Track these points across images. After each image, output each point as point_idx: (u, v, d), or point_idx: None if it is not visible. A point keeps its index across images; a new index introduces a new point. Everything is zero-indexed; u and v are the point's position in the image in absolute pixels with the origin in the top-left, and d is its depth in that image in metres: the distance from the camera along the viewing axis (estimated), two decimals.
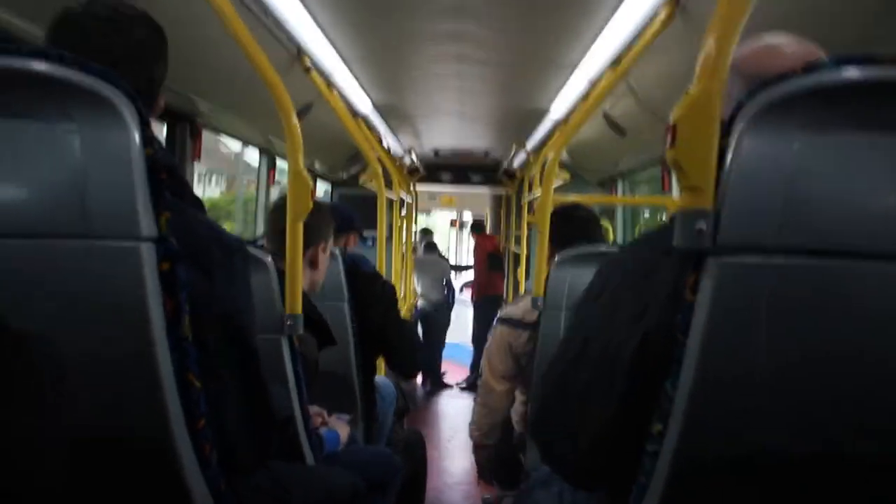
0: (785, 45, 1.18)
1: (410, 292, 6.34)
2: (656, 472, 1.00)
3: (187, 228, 1.12)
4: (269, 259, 1.87)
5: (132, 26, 1.27)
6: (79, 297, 1.03)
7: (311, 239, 2.27)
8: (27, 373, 0.92)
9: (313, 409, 2.19)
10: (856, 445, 0.97)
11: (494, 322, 3.01)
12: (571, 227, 2.83)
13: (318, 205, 2.37)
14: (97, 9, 1.26)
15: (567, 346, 1.26)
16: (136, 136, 1.01)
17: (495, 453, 3.19)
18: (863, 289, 0.92)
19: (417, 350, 3.12)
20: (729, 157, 0.92)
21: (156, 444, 1.09)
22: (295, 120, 1.84)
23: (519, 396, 3.01)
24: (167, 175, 1.06)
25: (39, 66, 1.00)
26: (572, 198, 3.16)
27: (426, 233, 9.15)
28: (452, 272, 9.27)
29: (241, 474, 1.32)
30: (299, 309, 1.84)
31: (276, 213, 2.31)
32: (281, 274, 1.87)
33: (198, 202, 1.32)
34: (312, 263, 2.33)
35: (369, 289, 2.81)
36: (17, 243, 1.02)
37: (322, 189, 7.08)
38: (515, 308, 2.85)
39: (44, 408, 0.93)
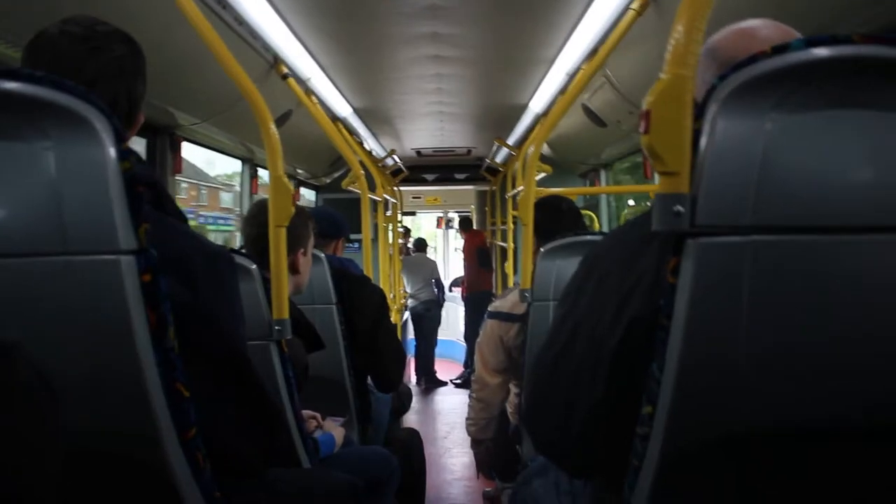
0: (760, 27, 1.19)
1: (399, 293, 6.35)
2: (647, 454, 1.01)
3: (168, 239, 1.12)
4: (253, 266, 1.87)
5: (108, 44, 1.27)
6: (61, 314, 1.03)
7: (291, 245, 2.28)
8: (13, 390, 0.92)
9: (307, 413, 2.20)
10: (842, 420, 0.98)
11: (485, 317, 3.02)
12: (554, 219, 2.84)
13: (297, 209, 2.38)
14: (72, 28, 1.26)
15: (555, 334, 1.26)
16: (112, 151, 1.01)
17: (493, 447, 3.20)
18: (840, 263, 0.93)
19: (402, 366, 3.11)
20: (703, 140, 0.92)
21: (148, 455, 1.09)
22: (273, 127, 1.85)
23: (513, 389, 3.02)
24: (146, 188, 1.06)
25: (11, 85, 1.00)
26: (556, 190, 3.16)
27: (420, 242, 9.17)
28: (441, 271, 9.29)
29: (249, 478, 1.33)
30: (286, 314, 1.84)
31: (252, 220, 2.32)
32: (265, 280, 1.87)
33: (180, 214, 1.32)
34: (293, 268, 2.33)
35: (358, 293, 2.81)
36: None
37: (306, 195, 7.08)
38: (504, 301, 2.86)
39: (32, 424, 0.93)
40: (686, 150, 0.93)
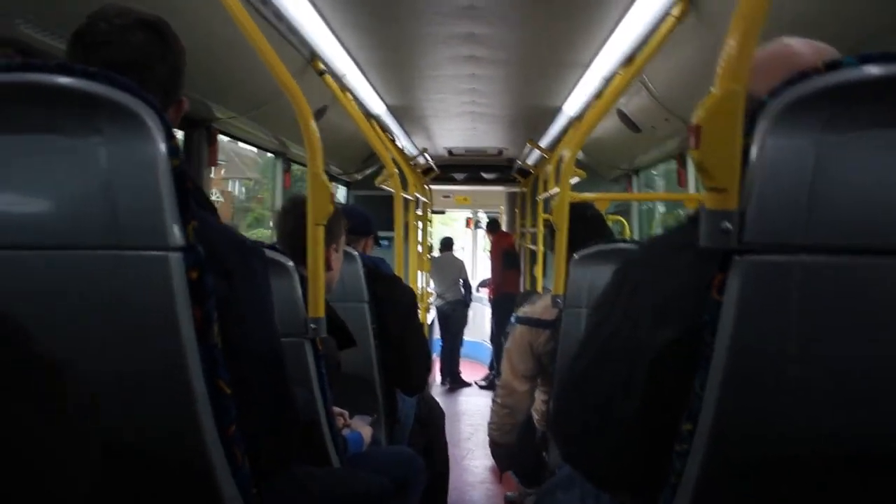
0: (795, 45, 1.18)
1: (427, 292, 6.35)
2: (686, 472, 1.00)
3: (206, 235, 1.13)
4: (290, 263, 1.88)
5: (127, 33, 1.27)
6: (110, 308, 1.04)
7: (325, 240, 2.29)
8: (59, 383, 0.93)
9: (335, 410, 2.21)
10: (890, 446, 0.97)
11: (512, 320, 3.01)
12: (583, 227, 2.85)
13: None
14: (96, 21, 1.27)
15: (587, 344, 1.26)
16: (163, 148, 1.03)
17: (518, 451, 3.20)
18: (891, 285, 0.92)
19: (427, 369, 3.11)
20: (753, 156, 0.92)
21: (189, 451, 1.10)
22: (313, 123, 1.85)
23: (540, 395, 3.01)
24: (192, 183, 1.07)
25: (65, 80, 1.02)
26: (588, 195, 3.16)
27: (447, 241, 9.15)
28: (468, 271, 9.28)
29: (263, 478, 1.33)
30: (322, 312, 1.85)
31: (285, 215, 2.32)
32: (302, 278, 1.88)
33: (211, 206, 1.34)
34: (326, 264, 2.33)
35: (389, 292, 2.81)
36: (48, 255, 1.04)
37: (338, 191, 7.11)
38: (534, 307, 2.86)
39: (76, 418, 0.94)
40: (736, 166, 0.92)
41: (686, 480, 1.00)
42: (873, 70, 0.91)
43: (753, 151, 0.92)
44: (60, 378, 0.94)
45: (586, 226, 2.87)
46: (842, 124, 0.91)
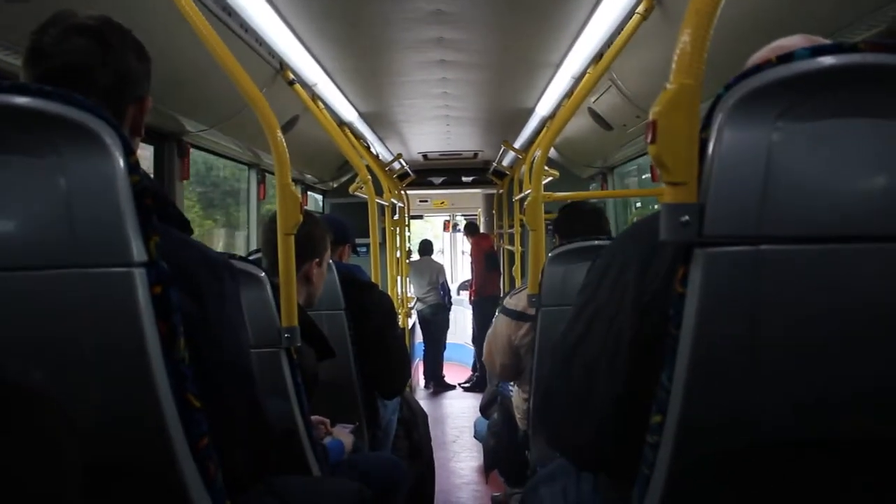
0: (793, 44, 1.18)
1: (406, 298, 6.35)
2: (658, 463, 1.01)
3: (172, 251, 1.12)
4: (262, 274, 1.88)
5: (64, 42, 1.23)
6: (73, 326, 1.04)
7: (307, 254, 2.28)
8: (27, 404, 0.93)
9: (315, 418, 2.20)
10: (852, 428, 0.98)
11: (497, 311, 3.04)
12: (579, 221, 2.87)
13: (314, 219, 2.39)
14: (38, 35, 1.24)
15: (573, 323, 1.27)
16: (122, 164, 1.02)
17: (502, 451, 3.22)
18: (847, 272, 0.93)
19: (407, 372, 3.12)
20: (710, 149, 0.93)
21: (160, 465, 1.09)
22: (280, 134, 1.85)
23: (521, 394, 3.03)
24: (152, 199, 1.06)
25: (21, 100, 1.01)
26: (563, 194, 3.17)
27: (425, 244, 9.14)
28: (448, 275, 9.28)
29: (238, 490, 1.32)
30: (295, 321, 1.84)
31: (269, 224, 2.32)
32: (275, 288, 1.88)
33: (183, 221, 1.32)
34: (307, 279, 2.33)
35: (366, 298, 2.82)
36: (8, 276, 1.03)
37: (312, 199, 7.09)
38: (519, 299, 2.87)
39: (46, 438, 0.93)
40: (693, 160, 0.93)
41: (658, 472, 1.01)
42: (826, 61, 0.92)
43: (710, 144, 0.92)
44: (29, 399, 0.93)
45: (585, 220, 2.89)
46: (795, 115, 0.92)
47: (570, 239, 2.58)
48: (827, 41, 1.12)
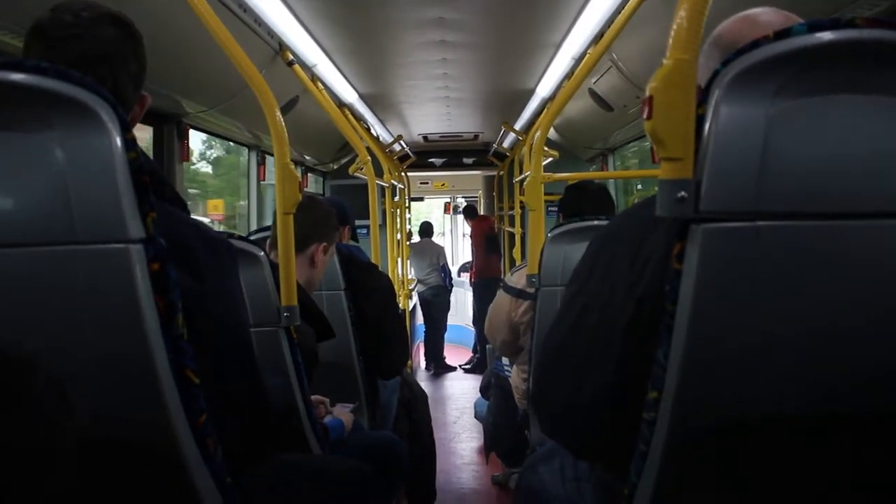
0: (761, 13, 1.19)
1: (407, 280, 6.36)
2: (654, 440, 1.01)
3: (170, 228, 1.12)
4: (261, 253, 1.88)
5: (93, 28, 1.25)
6: (71, 303, 1.04)
7: (312, 236, 2.29)
8: (26, 381, 0.93)
9: (315, 398, 2.21)
10: (848, 403, 0.99)
11: (499, 289, 3.06)
12: (584, 201, 2.87)
13: (322, 204, 2.39)
14: (60, 15, 1.24)
15: (565, 312, 1.27)
16: (118, 141, 1.02)
17: (501, 431, 3.23)
18: (844, 248, 0.93)
19: (406, 353, 3.13)
20: (706, 125, 0.92)
21: (159, 442, 1.10)
22: (279, 115, 1.85)
23: (520, 373, 3.04)
24: (149, 177, 1.06)
25: (17, 76, 1.01)
26: (562, 175, 3.17)
27: (426, 226, 9.14)
28: (448, 256, 9.29)
29: (239, 467, 1.33)
30: (295, 300, 1.85)
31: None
32: (274, 267, 1.88)
33: (179, 201, 1.33)
34: (312, 261, 2.33)
35: (366, 279, 2.83)
36: (4, 253, 1.03)
37: (314, 180, 7.09)
38: (520, 276, 2.88)
39: (45, 415, 0.94)
40: (689, 135, 0.93)
41: (654, 448, 1.02)
42: (823, 36, 0.92)
43: (707, 120, 0.92)
44: (29, 375, 0.94)
45: (590, 200, 2.89)
46: (793, 91, 0.92)
47: (577, 218, 2.58)
48: (800, 19, 1.11)
